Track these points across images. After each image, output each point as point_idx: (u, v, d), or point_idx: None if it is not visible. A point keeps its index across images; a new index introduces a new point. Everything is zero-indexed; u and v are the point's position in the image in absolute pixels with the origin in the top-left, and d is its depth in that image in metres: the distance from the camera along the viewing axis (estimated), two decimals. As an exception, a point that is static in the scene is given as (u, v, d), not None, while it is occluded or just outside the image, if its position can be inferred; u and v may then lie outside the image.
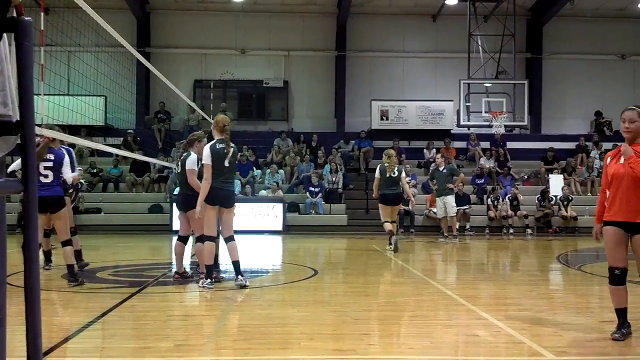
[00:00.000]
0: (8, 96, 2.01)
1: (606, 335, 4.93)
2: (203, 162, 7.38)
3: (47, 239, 8.86)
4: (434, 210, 18.21)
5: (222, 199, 7.37)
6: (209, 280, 7.33)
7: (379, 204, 12.50)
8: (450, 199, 15.31)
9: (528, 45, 24.23)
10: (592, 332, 5.17)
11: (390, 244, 12.11)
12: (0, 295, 2.06)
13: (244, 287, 7.29)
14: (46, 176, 7.46)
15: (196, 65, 23.68)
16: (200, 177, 7.61)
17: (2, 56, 1.98)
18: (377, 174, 12.49)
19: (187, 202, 7.86)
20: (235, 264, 7.44)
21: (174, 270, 8.41)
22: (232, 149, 7.49)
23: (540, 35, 24.21)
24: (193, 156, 7.88)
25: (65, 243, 7.62)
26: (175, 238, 8.57)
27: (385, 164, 12.32)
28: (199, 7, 23.63)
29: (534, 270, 10.67)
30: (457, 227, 15.93)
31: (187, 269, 8.52)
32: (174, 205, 17.48)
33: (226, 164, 7.43)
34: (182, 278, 8.00)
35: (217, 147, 7.37)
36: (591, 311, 6.39)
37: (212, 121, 7.87)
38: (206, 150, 7.36)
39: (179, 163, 8.17)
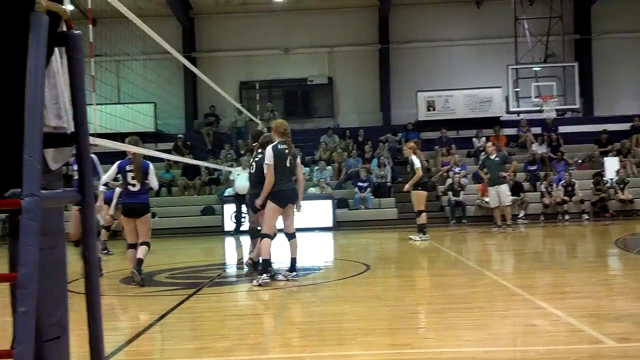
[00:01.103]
0: (62, 108, 2.07)
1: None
2: (266, 162, 7.62)
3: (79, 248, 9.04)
4: (486, 199, 17.97)
5: (292, 198, 7.77)
6: (264, 275, 7.44)
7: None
8: (504, 188, 15.00)
9: (576, 26, 23.58)
10: (654, 318, 5.03)
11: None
12: (63, 303, 2.13)
13: (287, 280, 7.62)
14: (134, 185, 8.01)
15: (241, 67, 23.91)
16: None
17: (55, 70, 2.04)
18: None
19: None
20: (293, 260, 7.84)
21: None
22: (293, 150, 7.83)
23: (589, 15, 23.52)
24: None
25: (144, 243, 8.03)
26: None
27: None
28: (241, 9, 23.84)
29: (592, 256, 10.42)
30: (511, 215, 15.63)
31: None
32: (225, 205, 17.81)
33: (287, 164, 7.73)
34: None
35: (279, 147, 7.66)
36: (653, 296, 6.21)
37: (258, 122, 8.05)
38: (269, 151, 7.63)
39: (253, 164, 8.32)
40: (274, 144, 7.71)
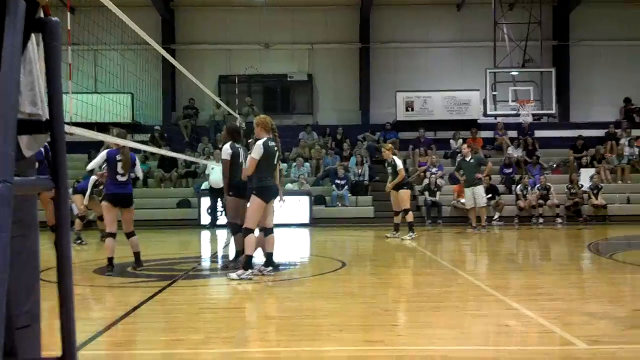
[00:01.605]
0: (37, 95, 2.04)
1: (638, 324, 4.86)
2: (252, 155, 7.59)
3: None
4: (462, 200, 18.12)
5: (276, 194, 7.89)
6: (249, 271, 7.43)
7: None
8: (480, 190, 15.15)
9: (554, 33, 23.86)
10: (624, 320, 5.11)
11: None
12: (35, 292, 2.10)
13: (262, 275, 7.66)
14: (122, 174, 8.15)
15: (221, 61, 23.78)
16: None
17: (31, 56, 2.01)
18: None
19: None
20: (269, 255, 7.90)
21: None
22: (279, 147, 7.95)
23: (567, 22, 23.82)
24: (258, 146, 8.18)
25: (132, 234, 8.33)
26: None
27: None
28: (223, 2, 23.69)
29: (565, 260, 10.55)
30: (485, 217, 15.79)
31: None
32: (202, 198, 17.70)
33: (275, 161, 7.83)
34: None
35: (269, 144, 7.65)
36: (623, 300, 6.31)
37: (237, 116, 8.03)
38: (260, 146, 7.58)
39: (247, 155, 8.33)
40: (264, 140, 7.65)
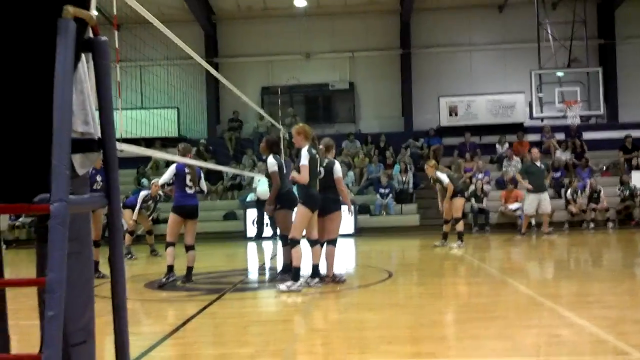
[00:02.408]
0: (89, 114, 2.09)
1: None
2: (303, 163, 7.58)
3: (97, 249, 9.05)
4: (510, 207, 17.84)
5: (319, 203, 7.79)
6: (298, 283, 7.46)
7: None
8: (547, 195, 14.86)
9: (600, 31, 23.32)
10: (683, 329, 4.93)
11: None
12: (89, 308, 2.15)
13: (309, 287, 7.63)
14: (190, 187, 8.47)
15: (263, 72, 24.00)
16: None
17: (82, 76, 2.06)
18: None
19: (330, 205, 8.13)
20: (315, 267, 7.87)
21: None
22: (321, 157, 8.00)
23: (613, 20, 23.25)
24: (338, 163, 8.31)
25: (192, 248, 8.50)
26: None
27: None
28: (263, 14, 23.95)
29: (617, 266, 10.26)
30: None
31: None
32: (247, 210, 17.82)
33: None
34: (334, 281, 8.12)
35: (313, 152, 7.71)
36: (681, 307, 6.10)
37: (280, 128, 8.06)
38: (306, 153, 7.60)
39: (322, 170, 8.28)
40: (307, 147, 7.68)
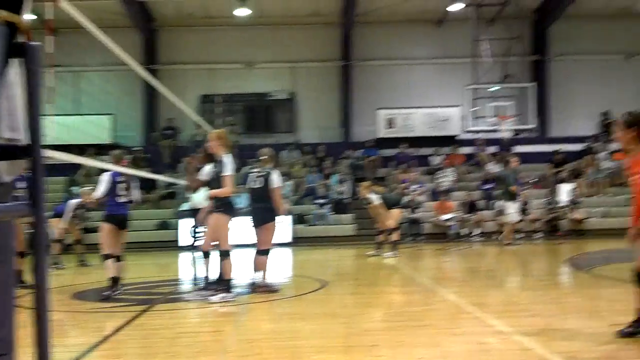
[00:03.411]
0: (17, 120, 2.06)
1: (616, 339, 4.93)
2: (228, 172, 7.47)
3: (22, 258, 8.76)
4: (443, 217, 18.26)
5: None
6: (231, 294, 7.42)
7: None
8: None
9: (534, 48, 24.20)
10: (603, 336, 5.14)
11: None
12: (10, 319, 2.10)
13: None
14: (122, 196, 8.23)
15: (203, 81, 23.78)
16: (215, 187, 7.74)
17: (11, 81, 2.02)
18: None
19: (266, 215, 8.09)
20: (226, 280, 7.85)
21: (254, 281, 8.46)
22: None
23: (546, 37, 24.18)
24: (276, 173, 8.27)
25: (120, 258, 8.26)
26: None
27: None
28: (205, 22, 23.77)
29: (544, 275, 10.63)
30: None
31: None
32: (180, 220, 17.56)
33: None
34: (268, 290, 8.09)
35: (233, 160, 7.62)
36: (601, 315, 6.36)
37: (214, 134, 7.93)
38: (231, 162, 7.48)
39: (261, 179, 8.25)
40: (229, 155, 7.55)
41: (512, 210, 15.40)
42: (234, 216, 7.64)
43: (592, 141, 22.23)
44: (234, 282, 7.69)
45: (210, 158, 8.61)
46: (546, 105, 23.71)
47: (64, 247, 12.96)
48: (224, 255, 7.48)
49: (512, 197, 15.28)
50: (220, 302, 7.28)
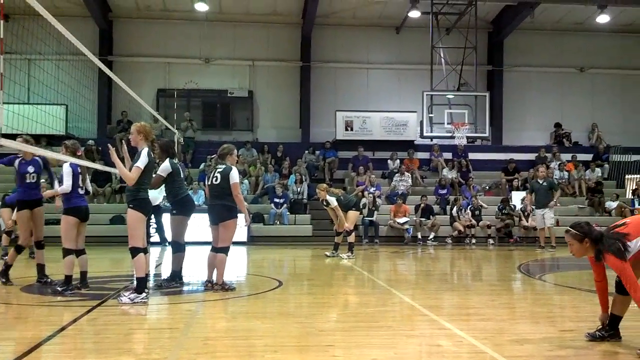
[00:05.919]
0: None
1: (567, 345, 5.03)
2: (138, 165, 7.15)
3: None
4: (399, 220, 18.43)
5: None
6: (143, 294, 7.05)
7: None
8: (550, 212, 16.05)
9: (489, 58, 24.69)
10: (553, 341, 5.25)
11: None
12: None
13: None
14: (82, 187, 8.06)
15: (160, 75, 23.49)
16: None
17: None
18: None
19: (225, 213, 7.94)
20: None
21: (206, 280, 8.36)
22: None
23: (501, 48, 24.68)
24: (235, 169, 8.07)
25: (82, 252, 8.05)
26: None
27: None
28: (163, 15, 23.48)
29: (496, 280, 10.80)
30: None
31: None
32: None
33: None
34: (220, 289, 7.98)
35: (152, 156, 7.44)
36: (552, 320, 6.49)
37: (175, 131, 7.88)
38: (145, 155, 7.19)
39: (217, 175, 8.02)
40: (147, 149, 7.29)
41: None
42: (147, 214, 7.34)
43: (544, 151, 22.75)
44: (147, 281, 7.38)
45: (168, 152, 8.49)
46: (500, 115, 24.19)
47: (13, 239, 12.57)
48: (134, 252, 7.09)
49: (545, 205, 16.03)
50: (130, 303, 6.88)
